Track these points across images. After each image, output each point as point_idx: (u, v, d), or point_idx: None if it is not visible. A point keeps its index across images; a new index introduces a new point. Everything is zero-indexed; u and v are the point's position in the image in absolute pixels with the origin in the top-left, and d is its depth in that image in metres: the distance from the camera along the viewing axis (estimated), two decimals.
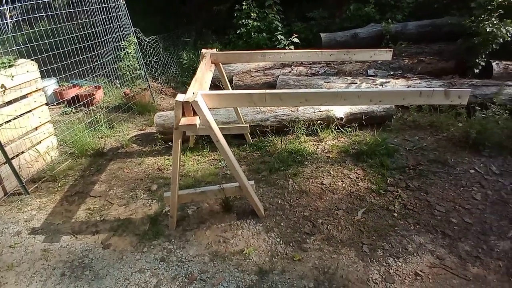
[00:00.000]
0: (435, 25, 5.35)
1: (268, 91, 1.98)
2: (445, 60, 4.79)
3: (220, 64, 3.04)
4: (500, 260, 2.09)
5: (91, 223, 2.54)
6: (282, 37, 5.57)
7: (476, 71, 4.34)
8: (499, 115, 3.29)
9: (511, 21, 3.99)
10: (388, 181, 2.81)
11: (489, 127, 3.15)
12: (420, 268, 2.06)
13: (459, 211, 2.49)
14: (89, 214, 2.64)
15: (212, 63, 2.92)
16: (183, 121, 1.89)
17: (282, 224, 2.44)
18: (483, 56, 4.27)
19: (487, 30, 4.02)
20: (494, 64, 4.25)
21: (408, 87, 4.06)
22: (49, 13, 3.39)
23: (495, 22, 4.02)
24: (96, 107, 4.50)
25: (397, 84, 4.16)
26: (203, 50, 2.91)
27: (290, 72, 4.86)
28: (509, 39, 4.06)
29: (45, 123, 3.26)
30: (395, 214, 2.48)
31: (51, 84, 4.73)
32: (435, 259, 2.11)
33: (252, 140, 3.52)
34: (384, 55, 2.88)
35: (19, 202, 2.81)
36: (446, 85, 3.99)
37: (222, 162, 3.19)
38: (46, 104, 3.27)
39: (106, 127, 3.96)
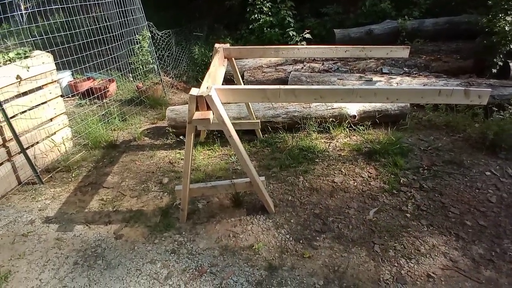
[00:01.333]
0: (452, 23, 5.22)
1: (282, 86, 1.96)
2: (462, 59, 4.66)
3: (233, 59, 3.02)
4: None
5: (104, 214, 2.58)
6: (294, 33, 5.51)
7: (494, 71, 4.21)
8: None
9: None
10: (401, 181, 2.76)
11: (506, 129, 3.06)
12: (433, 270, 2.02)
13: (473, 213, 2.43)
14: (102, 204, 2.68)
15: (225, 58, 2.91)
16: (197, 115, 1.89)
17: (292, 220, 2.43)
18: (501, 56, 4.14)
19: (506, 28, 3.89)
20: (511, 64, 4.11)
21: (424, 85, 3.97)
22: (64, 6, 3.43)
23: (510, 19, 3.89)
24: (109, 100, 4.55)
25: (413, 83, 4.07)
26: (216, 45, 2.90)
27: (302, 68, 4.81)
28: None
29: (60, 114, 3.31)
30: (408, 215, 2.44)
31: (66, 76, 4.80)
32: (448, 261, 2.08)
33: (263, 136, 3.51)
34: (401, 52, 2.82)
35: (33, 191, 2.87)
36: (463, 84, 3.88)
37: (232, 157, 3.19)
38: (61, 96, 3.32)
39: (119, 120, 4.01)
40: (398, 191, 2.67)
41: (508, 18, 3.91)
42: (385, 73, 4.46)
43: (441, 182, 2.74)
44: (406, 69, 4.55)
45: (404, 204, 2.55)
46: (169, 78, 5.36)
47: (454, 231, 2.29)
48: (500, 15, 4.00)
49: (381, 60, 4.76)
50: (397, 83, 4.05)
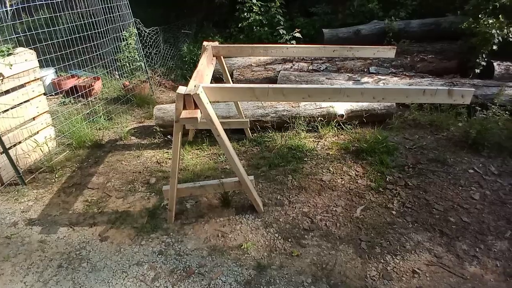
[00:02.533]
0: (438, 24, 5.33)
1: (271, 85, 1.96)
2: (447, 60, 4.77)
3: (222, 57, 3.00)
4: (497, 260, 2.10)
5: (89, 215, 2.52)
6: (284, 31, 5.52)
7: (477, 71, 4.33)
8: (499, 116, 3.28)
9: (508, 21, 3.97)
10: (387, 179, 2.81)
11: (489, 128, 3.15)
12: (418, 266, 2.07)
13: (457, 210, 2.50)
14: (87, 206, 2.62)
15: (213, 56, 2.89)
16: (184, 114, 1.87)
17: (280, 219, 2.43)
18: (484, 56, 4.26)
19: (484, 30, 4.01)
20: (495, 64, 4.24)
21: (410, 85, 4.05)
22: (49, 1, 3.32)
23: (491, 21, 4.01)
24: (94, 98, 4.46)
25: (399, 83, 4.14)
26: (205, 43, 2.88)
27: (291, 67, 4.83)
28: (511, 39, 4.04)
29: (43, 113, 3.22)
30: (394, 212, 2.49)
31: (49, 74, 4.67)
32: (432, 257, 2.13)
33: (252, 135, 3.50)
34: (388, 52, 2.86)
35: (16, 192, 2.78)
36: (447, 84, 3.98)
37: (221, 156, 3.18)
38: (44, 94, 3.22)
39: (104, 119, 3.93)
40: (384, 189, 2.71)
41: (490, 21, 4.02)
42: (373, 73, 4.53)
43: (426, 180, 2.80)
44: (393, 69, 4.63)
45: (390, 201, 2.59)
46: (157, 76, 5.29)
47: (438, 227, 2.34)
48: (480, 17, 4.11)
49: (368, 60, 4.82)
50: (384, 83, 4.11)
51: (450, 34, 5.03)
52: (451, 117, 3.60)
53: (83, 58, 3.74)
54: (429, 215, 2.45)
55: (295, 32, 5.33)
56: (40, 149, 3.16)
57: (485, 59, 4.27)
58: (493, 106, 3.38)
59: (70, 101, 4.23)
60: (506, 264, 2.07)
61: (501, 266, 2.06)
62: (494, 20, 4.01)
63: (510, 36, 4.02)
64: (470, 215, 2.45)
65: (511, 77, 4.17)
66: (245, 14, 5.69)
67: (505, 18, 4.01)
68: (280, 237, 2.28)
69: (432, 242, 2.23)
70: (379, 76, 4.29)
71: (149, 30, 5.07)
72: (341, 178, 2.87)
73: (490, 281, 1.97)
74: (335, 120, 3.54)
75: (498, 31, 3.98)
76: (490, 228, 2.34)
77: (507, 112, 3.35)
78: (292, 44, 5.34)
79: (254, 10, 5.66)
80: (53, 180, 2.93)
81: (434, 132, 3.54)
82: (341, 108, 3.55)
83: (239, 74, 4.82)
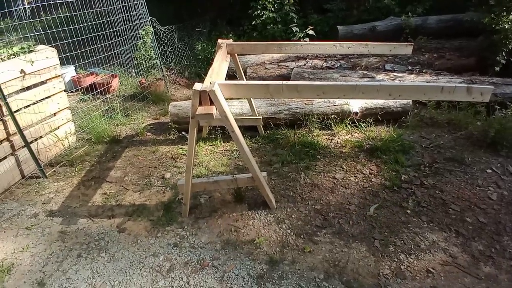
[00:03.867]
0: (456, 20, 5.18)
1: (285, 82, 1.97)
2: (465, 57, 4.64)
3: (236, 55, 3.03)
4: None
5: (107, 208, 2.61)
6: (297, 29, 5.50)
7: (497, 69, 4.19)
8: None
9: None
10: (402, 178, 2.78)
11: (508, 127, 3.06)
12: (432, 266, 2.04)
13: (474, 210, 2.44)
14: (105, 198, 2.71)
15: (228, 53, 2.92)
16: (200, 110, 1.91)
17: (293, 216, 2.45)
18: (504, 54, 4.12)
19: (506, 27, 3.87)
20: None
21: (427, 82, 3.96)
22: (68, 0, 3.43)
23: None
24: (112, 95, 4.57)
25: (416, 80, 4.06)
26: (219, 41, 2.91)
27: (304, 65, 4.81)
28: None
29: (64, 109, 3.33)
30: (409, 211, 2.46)
31: (69, 71, 4.82)
32: (447, 257, 2.09)
33: (265, 133, 3.52)
34: (404, 49, 2.81)
35: (37, 185, 2.89)
36: (466, 82, 3.88)
37: (234, 153, 3.21)
38: (65, 90, 3.33)
39: (121, 115, 4.03)
40: (399, 187, 2.68)
41: (511, 17, 3.89)
42: (388, 70, 4.45)
43: (442, 179, 2.75)
44: (409, 67, 4.54)
45: (405, 200, 2.56)
46: (172, 74, 5.37)
47: (454, 227, 2.30)
48: (502, 14, 3.98)
49: (384, 58, 4.74)
50: (400, 80, 4.05)
51: (469, 31, 4.88)
52: (470, 116, 3.50)
53: (101, 56, 3.84)
54: (445, 215, 2.41)
55: (309, 29, 5.30)
56: (61, 143, 3.28)
57: (505, 57, 4.13)
58: None
59: (89, 97, 4.36)
60: None
61: None
62: None
63: None
64: (487, 215, 2.39)
65: None
66: (259, 11, 5.69)
67: None
68: (292, 233, 2.29)
69: (447, 242, 2.20)
70: (395, 74, 4.22)
71: (165, 29, 5.15)
72: (355, 176, 2.85)
73: (504, 281, 1.93)
74: (349, 118, 3.52)
75: None
76: (507, 228, 2.28)
77: None
78: (306, 41, 5.32)
79: (268, 7, 5.65)
80: (73, 174, 3.04)
81: (451, 130, 3.46)
82: (355, 105, 3.52)
83: (252, 72, 4.84)
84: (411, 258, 2.10)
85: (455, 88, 1.88)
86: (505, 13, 3.97)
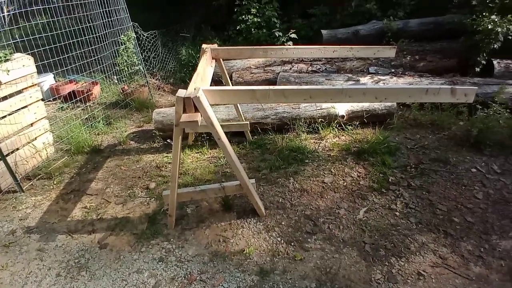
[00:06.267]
0: (437, 23, 5.31)
1: (271, 87, 1.93)
2: (446, 58, 4.75)
3: (221, 59, 2.98)
4: (502, 260, 2.07)
5: (87, 222, 2.49)
6: (280, 33, 5.51)
7: (478, 69, 4.31)
8: (500, 114, 3.26)
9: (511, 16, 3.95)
10: (390, 180, 2.78)
11: (490, 126, 3.12)
12: (423, 268, 2.03)
13: (461, 210, 2.46)
14: (85, 212, 2.59)
15: (212, 58, 2.87)
16: (184, 117, 1.84)
17: (283, 223, 2.40)
18: (485, 55, 4.24)
19: (488, 27, 3.98)
20: (495, 62, 4.22)
21: (410, 84, 4.02)
22: (46, 6, 3.31)
23: (496, 19, 3.99)
24: (93, 103, 4.43)
25: (399, 82, 4.12)
26: (204, 45, 2.86)
27: (290, 69, 4.81)
28: (510, 37, 4.03)
29: (41, 119, 3.19)
30: (397, 213, 2.45)
31: (48, 80, 4.65)
32: (437, 259, 2.09)
33: (253, 138, 3.47)
34: (388, 52, 2.84)
35: (14, 200, 2.75)
36: (448, 83, 3.96)
37: (222, 160, 3.15)
38: (42, 99, 3.20)
39: (103, 124, 3.90)
40: (387, 189, 2.68)
41: (493, 17, 4.00)
42: (372, 73, 4.50)
43: (428, 180, 2.77)
44: (392, 69, 4.61)
45: (393, 202, 2.56)
46: (156, 80, 5.26)
47: (442, 228, 2.31)
48: (485, 14, 4.09)
49: (367, 61, 4.80)
50: (384, 83, 4.09)
51: (450, 33, 5.01)
52: (452, 116, 3.57)
53: (81, 63, 3.72)
54: (433, 216, 2.42)
55: (291, 33, 5.32)
56: (39, 155, 3.13)
57: (486, 58, 4.25)
58: (494, 105, 3.36)
59: (68, 106, 4.20)
60: (511, 264, 2.04)
61: (506, 266, 2.03)
62: (499, 17, 3.98)
63: (510, 33, 4.00)
64: (474, 214, 2.42)
65: (511, 75, 4.14)
66: (243, 16, 5.68)
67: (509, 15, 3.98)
68: (282, 241, 2.25)
69: (436, 243, 2.20)
70: (379, 76, 4.27)
71: (148, 34, 5.05)
72: (343, 179, 2.83)
73: (495, 281, 1.94)
74: (335, 121, 3.52)
75: (502, 29, 3.95)
76: (494, 227, 2.31)
77: (508, 110, 3.33)
78: (289, 45, 5.33)
79: (252, 12, 5.65)
80: (51, 187, 2.90)
81: (435, 131, 3.51)
82: (341, 108, 3.52)
83: (238, 77, 4.80)
84: (401, 261, 2.08)
85: (439, 90, 1.89)
86: (487, 13, 4.08)
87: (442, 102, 3.45)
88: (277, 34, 5.49)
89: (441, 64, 4.71)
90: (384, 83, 4.09)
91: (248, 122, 3.36)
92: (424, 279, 1.96)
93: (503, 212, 2.43)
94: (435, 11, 5.48)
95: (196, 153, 3.31)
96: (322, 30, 5.53)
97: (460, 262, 2.06)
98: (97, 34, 3.94)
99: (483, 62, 4.26)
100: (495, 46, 4.09)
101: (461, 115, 3.50)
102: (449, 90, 1.87)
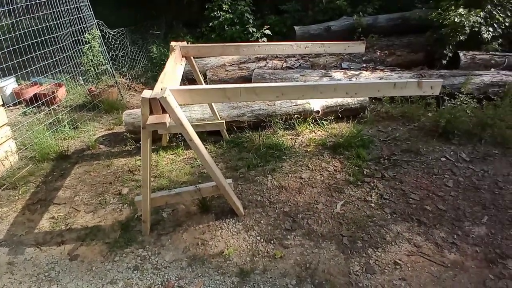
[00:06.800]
0: (404, 18, 5.48)
1: (242, 85, 1.89)
2: (414, 52, 4.92)
3: (192, 57, 2.89)
4: (476, 246, 2.12)
5: (56, 233, 2.34)
6: (254, 29, 5.47)
7: (444, 62, 4.48)
8: (467, 104, 3.41)
9: (480, 10, 4.12)
10: (365, 172, 2.83)
11: (458, 116, 3.25)
12: (399, 257, 2.08)
13: (432, 198, 2.55)
14: (53, 223, 2.43)
15: (182, 56, 2.78)
16: (151, 119, 1.76)
17: (262, 221, 2.38)
18: (451, 47, 4.41)
19: (455, 20, 4.12)
20: (461, 54, 4.40)
21: (380, 79, 4.12)
22: (6, 8, 3.07)
23: (463, 12, 4.14)
24: (58, 106, 4.18)
25: (370, 77, 4.21)
26: (173, 43, 2.76)
27: (265, 65, 4.79)
28: (476, 29, 4.20)
29: (2, 126, 2.98)
30: (372, 205, 2.50)
31: (10, 83, 4.33)
32: (412, 247, 2.15)
33: (229, 137, 3.42)
34: (358, 47, 2.88)
35: None
36: (416, 76, 4.09)
37: (198, 160, 3.07)
38: (2, 105, 2.98)
39: (69, 128, 3.68)
40: (362, 182, 2.73)
41: (460, 10, 4.14)
42: (345, 68, 4.58)
43: (401, 171, 2.85)
44: (364, 64, 4.71)
45: (368, 194, 2.61)
46: (126, 79, 5.06)
47: (415, 217, 2.38)
48: (450, 8, 4.24)
49: (340, 56, 4.88)
50: (356, 78, 4.17)
51: (417, 28, 5.19)
52: (421, 108, 3.69)
53: (42, 64, 3.49)
54: (406, 205, 2.49)
55: (265, 29, 5.30)
56: (2, 164, 2.92)
57: (452, 50, 4.42)
58: (460, 95, 3.51)
59: (31, 110, 3.94)
60: (487, 250, 2.09)
61: (481, 252, 2.08)
62: (466, 10, 4.13)
63: (476, 25, 4.16)
64: (445, 202, 2.51)
65: (476, 66, 4.33)
66: (215, 13, 5.58)
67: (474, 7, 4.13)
68: (262, 240, 2.22)
69: (411, 232, 2.26)
70: (352, 72, 4.35)
71: (114, 32, 4.83)
72: (320, 174, 2.86)
73: (471, 268, 1.98)
74: (311, 117, 3.54)
75: (469, 22, 4.09)
76: (466, 214, 2.39)
77: (474, 100, 3.49)
78: (263, 41, 5.30)
79: (224, 8, 5.56)
80: (16, 197, 2.71)
81: (406, 123, 3.63)
82: (316, 104, 3.55)
83: (212, 74, 4.72)
84: (378, 251, 2.12)
85: (406, 84, 1.93)
86: (453, 7, 4.23)
87: (410, 95, 3.57)
88: (251, 30, 5.45)
89: (409, 58, 4.87)
90: (356, 77, 4.17)
91: (224, 121, 3.30)
92: (400, 268, 2.01)
93: (473, 198, 2.52)
94: (402, 6, 5.66)
95: (171, 154, 3.21)
96: (295, 27, 5.55)
97: (434, 250, 2.12)
98: (60, 33, 3.72)
99: (449, 54, 4.43)
100: (461, 38, 4.24)
101: (430, 106, 3.63)
102: (415, 83, 1.91)
